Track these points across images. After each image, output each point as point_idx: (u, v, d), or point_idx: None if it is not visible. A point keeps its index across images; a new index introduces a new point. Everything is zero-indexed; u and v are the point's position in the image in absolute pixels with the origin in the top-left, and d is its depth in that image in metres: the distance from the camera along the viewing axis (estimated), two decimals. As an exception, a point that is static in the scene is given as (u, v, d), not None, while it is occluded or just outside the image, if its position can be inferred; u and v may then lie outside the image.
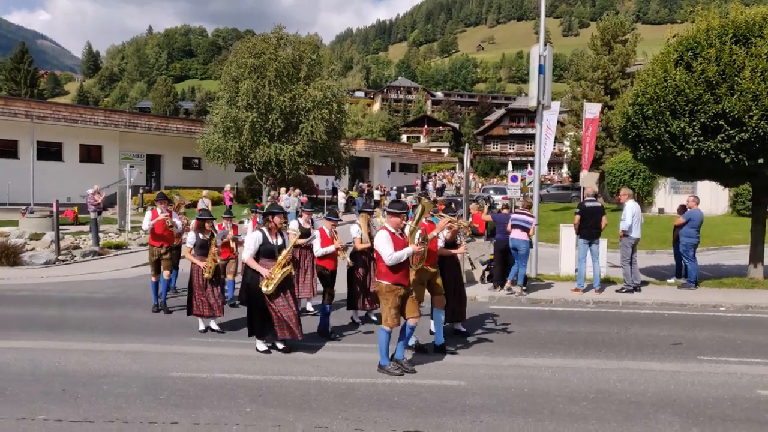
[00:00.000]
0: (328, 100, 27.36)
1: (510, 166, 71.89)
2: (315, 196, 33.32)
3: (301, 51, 28.12)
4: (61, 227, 16.05)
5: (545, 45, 12.06)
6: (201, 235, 8.21)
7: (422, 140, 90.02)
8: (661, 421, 5.24)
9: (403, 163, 56.54)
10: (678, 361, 7.06)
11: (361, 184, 38.41)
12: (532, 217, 10.85)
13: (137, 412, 5.40)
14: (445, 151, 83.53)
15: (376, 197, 33.69)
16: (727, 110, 9.86)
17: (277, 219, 7.27)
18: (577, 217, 10.98)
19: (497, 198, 28.39)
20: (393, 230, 6.48)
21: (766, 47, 9.70)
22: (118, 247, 16.60)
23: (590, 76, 35.27)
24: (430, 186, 49.27)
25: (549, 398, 5.79)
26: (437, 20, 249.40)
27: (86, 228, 18.99)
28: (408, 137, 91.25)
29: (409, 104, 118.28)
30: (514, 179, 25.48)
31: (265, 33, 29.87)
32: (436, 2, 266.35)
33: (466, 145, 14.16)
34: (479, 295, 10.85)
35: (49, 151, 26.81)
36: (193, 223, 8.64)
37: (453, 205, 10.77)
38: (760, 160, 9.98)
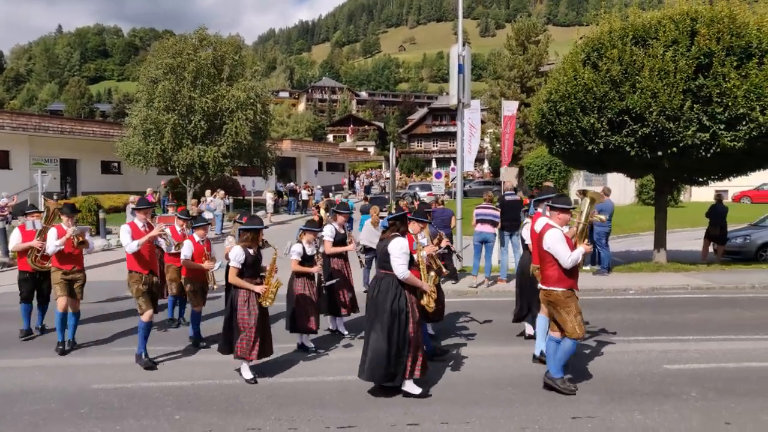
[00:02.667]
0: (252, 100, 26.95)
1: (434, 164, 73.35)
2: (242, 197, 32.68)
3: (222, 52, 27.51)
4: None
5: (464, 45, 12.43)
6: (251, 251, 6.45)
7: (348, 139, 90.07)
8: (582, 400, 5.58)
9: (330, 162, 56.46)
10: (594, 343, 7.52)
11: (289, 183, 38.02)
12: (497, 210, 11.27)
13: (56, 428, 5.17)
14: (371, 149, 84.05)
15: (304, 197, 33.47)
16: (630, 107, 10.61)
17: (415, 225, 6.06)
18: (498, 210, 11.45)
19: (423, 194, 28.95)
20: (560, 229, 5.75)
21: (662, 48, 10.50)
22: (30, 257, 15.59)
23: (507, 75, 36.74)
24: (357, 184, 49.44)
25: (476, 385, 6.03)
26: (359, 21, 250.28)
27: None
28: (334, 137, 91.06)
29: (334, 104, 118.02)
30: (438, 176, 26.08)
31: (186, 33, 29.01)
32: (357, 3, 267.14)
33: (392, 143, 14.43)
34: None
35: (-53, 157, 24.88)
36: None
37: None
38: (660, 153, 10.80)
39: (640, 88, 10.49)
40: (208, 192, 23.14)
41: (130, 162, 26.96)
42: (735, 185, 22.03)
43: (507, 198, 11.62)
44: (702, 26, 10.48)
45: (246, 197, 31.65)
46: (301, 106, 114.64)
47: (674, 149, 10.62)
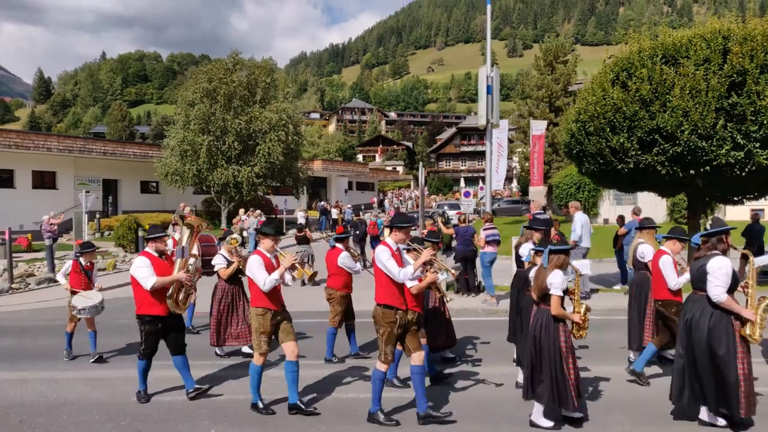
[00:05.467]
0: (284, 122, 27.64)
1: (462, 182, 73.28)
2: (274, 216, 33.27)
3: (255, 75, 28.34)
4: (14, 255, 15.59)
5: (492, 66, 12.60)
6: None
7: (377, 159, 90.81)
8: (611, 421, 5.55)
9: (360, 181, 57.04)
10: (626, 363, 7.38)
11: (320, 203, 38.53)
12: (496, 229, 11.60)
13: (100, 438, 5.34)
14: (400, 169, 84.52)
15: (334, 216, 33.81)
16: (661, 126, 10.54)
17: (729, 239, 5.37)
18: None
19: (452, 213, 29.05)
20: None
21: (693, 67, 10.45)
22: (75, 273, 16.14)
23: (535, 95, 36.67)
24: (387, 203, 49.74)
25: (505, 405, 6.06)
26: (388, 43, 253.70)
27: (40, 255, 18.48)
28: (364, 157, 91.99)
29: (364, 125, 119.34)
30: (467, 195, 26.06)
31: (221, 58, 30.11)
32: (386, 26, 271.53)
33: (420, 163, 14.64)
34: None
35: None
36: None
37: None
38: (692, 172, 10.68)
39: (670, 107, 10.42)
40: (241, 211, 23.72)
41: (167, 182, 27.85)
42: (772, 204, 21.48)
43: (537, 218, 11.64)
44: (735, 44, 10.37)
45: (278, 216, 32.22)
46: (332, 127, 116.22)
47: (707, 168, 10.49)
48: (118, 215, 29.07)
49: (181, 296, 6.25)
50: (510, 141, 38.70)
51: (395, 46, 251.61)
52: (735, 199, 12.37)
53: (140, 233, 20.44)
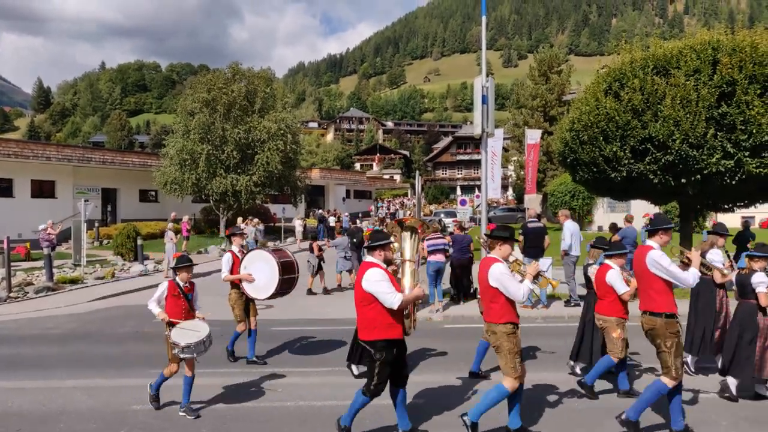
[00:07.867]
0: (282, 131, 27.82)
1: (459, 191, 73.55)
2: (272, 224, 33.38)
3: (254, 85, 28.57)
4: (12, 264, 15.62)
5: (487, 76, 12.70)
6: None
7: (375, 168, 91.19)
8: (607, 428, 5.64)
9: (357, 190, 57.21)
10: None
11: (318, 211, 38.64)
12: (445, 238, 12.10)
13: (98, 446, 5.36)
14: (397, 177, 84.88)
15: (331, 224, 33.88)
16: (652, 135, 10.71)
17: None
18: (521, 237, 11.59)
19: (448, 221, 29.24)
20: None
21: (683, 77, 10.63)
22: (74, 281, 16.19)
23: (530, 104, 37.00)
24: (380, 211, 49.94)
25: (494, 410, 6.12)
26: (385, 54, 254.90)
27: (39, 264, 18.52)
28: (361, 165, 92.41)
29: (362, 134, 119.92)
30: (463, 203, 26.21)
31: (220, 68, 30.39)
32: (383, 37, 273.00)
33: (417, 172, 14.81)
34: (434, 315, 11.24)
35: (-2, 187, 26.16)
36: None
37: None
38: (683, 180, 10.84)
39: (662, 117, 10.58)
40: (240, 219, 23.87)
41: (166, 191, 27.98)
42: (762, 211, 21.68)
43: (530, 225, 11.75)
44: (724, 55, 10.55)
45: (276, 224, 32.39)
46: (330, 136, 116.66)
47: (698, 176, 10.64)
48: (117, 224, 29.14)
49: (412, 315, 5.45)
50: (505, 150, 38.97)
51: (392, 56, 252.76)
52: (725, 206, 12.52)
53: (139, 241, 20.53)
